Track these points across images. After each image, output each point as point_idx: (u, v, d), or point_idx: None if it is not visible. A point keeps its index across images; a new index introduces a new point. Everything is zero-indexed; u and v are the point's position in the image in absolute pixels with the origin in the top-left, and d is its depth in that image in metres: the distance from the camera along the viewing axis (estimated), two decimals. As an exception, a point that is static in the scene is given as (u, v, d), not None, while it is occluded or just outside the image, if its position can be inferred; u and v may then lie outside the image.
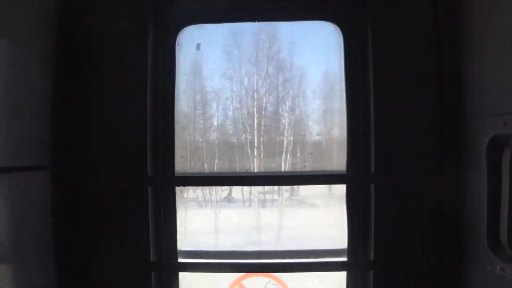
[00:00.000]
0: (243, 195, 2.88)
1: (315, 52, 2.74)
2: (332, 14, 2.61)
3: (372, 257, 2.48)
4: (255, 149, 2.77)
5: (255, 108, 2.77)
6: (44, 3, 2.34)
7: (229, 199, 2.86)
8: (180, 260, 2.65)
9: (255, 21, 2.67)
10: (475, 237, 2.09)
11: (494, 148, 1.94)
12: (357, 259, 2.58)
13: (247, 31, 2.72)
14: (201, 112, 2.80)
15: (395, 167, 2.44)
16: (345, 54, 2.59)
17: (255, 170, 2.78)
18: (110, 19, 2.48)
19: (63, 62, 2.43)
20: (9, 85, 2.04)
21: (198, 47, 2.68)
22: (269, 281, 2.69)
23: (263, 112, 2.78)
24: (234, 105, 2.77)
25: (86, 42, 2.49)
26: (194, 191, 2.86)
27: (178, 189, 2.67)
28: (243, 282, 2.70)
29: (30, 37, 2.21)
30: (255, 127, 2.77)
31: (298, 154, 2.79)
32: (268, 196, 2.89)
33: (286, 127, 2.81)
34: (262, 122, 2.78)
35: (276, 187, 2.90)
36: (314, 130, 2.81)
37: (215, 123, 2.82)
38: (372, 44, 2.46)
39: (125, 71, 2.48)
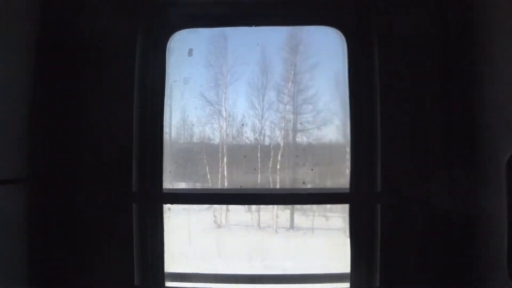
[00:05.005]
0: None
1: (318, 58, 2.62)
2: (335, 19, 2.50)
3: (377, 285, 2.34)
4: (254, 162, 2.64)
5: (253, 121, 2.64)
6: (27, 4, 2.23)
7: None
8: (168, 284, 2.49)
9: (252, 26, 2.53)
10: (492, 265, 1.96)
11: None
12: (361, 285, 2.42)
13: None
14: (192, 122, 2.64)
15: (403, 185, 2.30)
16: (349, 62, 2.47)
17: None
18: (99, 22, 2.39)
19: (45, 67, 2.32)
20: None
21: (190, 52, 2.56)
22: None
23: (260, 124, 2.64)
24: (230, 115, 2.63)
25: (71, 46, 2.40)
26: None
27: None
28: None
29: (9, 41, 2.09)
30: (252, 138, 2.65)
31: (298, 169, 2.61)
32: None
33: (286, 139, 2.64)
34: (260, 134, 2.66)
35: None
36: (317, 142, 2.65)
37: (207, 133, 2.67)
38: (378, 53, 2.36)
39: (112, 77, 2.40)
